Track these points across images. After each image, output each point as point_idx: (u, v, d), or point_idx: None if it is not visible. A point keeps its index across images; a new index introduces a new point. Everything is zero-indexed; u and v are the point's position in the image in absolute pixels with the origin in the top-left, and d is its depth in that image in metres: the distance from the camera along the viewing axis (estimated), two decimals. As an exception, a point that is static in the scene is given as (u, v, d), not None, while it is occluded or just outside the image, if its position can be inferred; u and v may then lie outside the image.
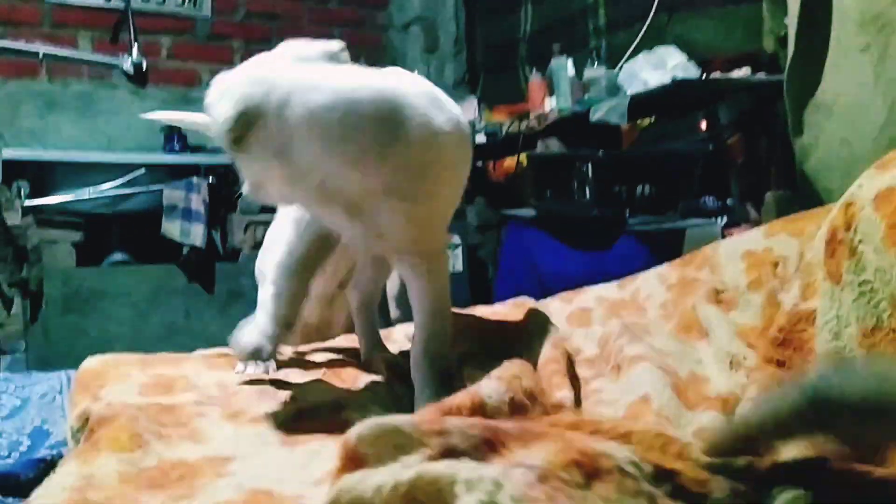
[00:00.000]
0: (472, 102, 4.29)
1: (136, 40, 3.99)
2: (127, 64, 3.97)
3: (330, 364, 1.52)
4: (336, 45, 1.18)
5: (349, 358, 1.61)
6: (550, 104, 3.18)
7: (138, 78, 3.39)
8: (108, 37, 4.10)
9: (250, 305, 2.40)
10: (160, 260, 3.67)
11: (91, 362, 1.40)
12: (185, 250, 3.59)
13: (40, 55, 3.90)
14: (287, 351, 1.65)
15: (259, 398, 1.21)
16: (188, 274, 3.67)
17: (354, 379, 1.42)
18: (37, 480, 0.92)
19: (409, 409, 1.20)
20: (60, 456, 1.01)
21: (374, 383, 1.39)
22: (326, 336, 1.92)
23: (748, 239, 1.57)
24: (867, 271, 0.91)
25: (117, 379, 1.26)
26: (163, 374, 1.31)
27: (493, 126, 3.53)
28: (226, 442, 1.01)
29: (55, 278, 3.44)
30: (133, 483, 0.86)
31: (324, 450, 0.98)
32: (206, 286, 3.71)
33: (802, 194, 1.99)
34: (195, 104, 4.53)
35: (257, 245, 2.51)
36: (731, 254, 1.52)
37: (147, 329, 3.58)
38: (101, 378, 1.28)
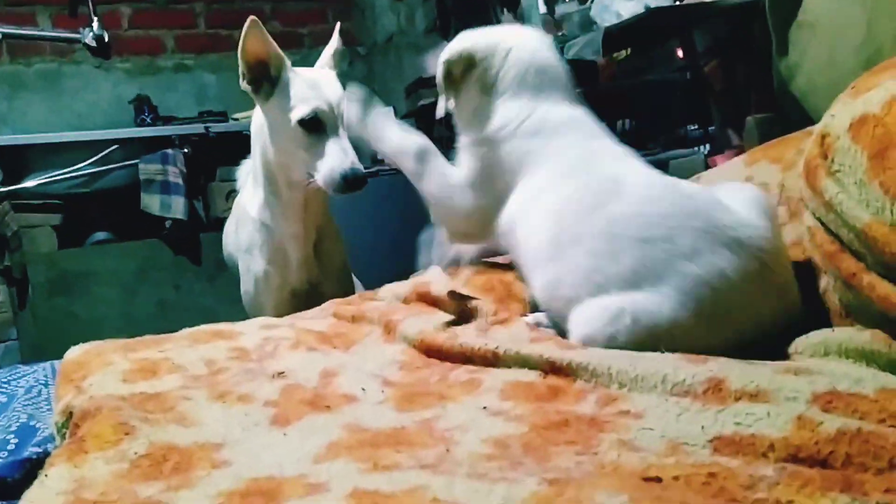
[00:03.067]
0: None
1: (95, 12, 3.88)
2: (89, 37, 3.85)
3: (320, 332, 1.49)
4: None
5: (341, 322, 1.59)
6: (524, 44, 3.11)
7: (102, 51, 3.29)
8: (66, 11, 3.99)
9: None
10: (144, 236, 3.64)
11: (74, 352, 1.37)
12: (167, 224, 3.56)
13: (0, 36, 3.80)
14: (283, 321, 1.62)
15: (245, 375, 1.19)
16: (173, 247, 3.64)
17: (347, 345, 1.40)
18: (24, 481, 0.91)
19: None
20: (47, 454, 0.99)
21: (368, 346, 1.38)
22: (317, 300, 1.90)
23: (729, 169, 1.56)
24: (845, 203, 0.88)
25: (100, 368, 1.24)
26: (147, 357, 1.29)
27: (468, 70, 3.46)
28: (215, 425, 0.99)
29: (39, 263, 3.41)
30: (126, 477, 0.85)
31: (315, 426, 0.96)
32: (193, 258, 3.68)
33: (788, 116, 1.95)
34: (162, 73, 4.40)
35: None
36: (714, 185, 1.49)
37: (137, 307, 3.56)
38: (84, 368, 1.26)
